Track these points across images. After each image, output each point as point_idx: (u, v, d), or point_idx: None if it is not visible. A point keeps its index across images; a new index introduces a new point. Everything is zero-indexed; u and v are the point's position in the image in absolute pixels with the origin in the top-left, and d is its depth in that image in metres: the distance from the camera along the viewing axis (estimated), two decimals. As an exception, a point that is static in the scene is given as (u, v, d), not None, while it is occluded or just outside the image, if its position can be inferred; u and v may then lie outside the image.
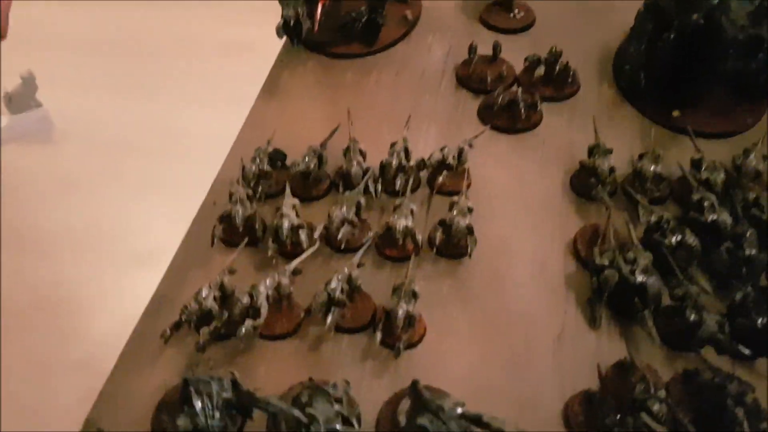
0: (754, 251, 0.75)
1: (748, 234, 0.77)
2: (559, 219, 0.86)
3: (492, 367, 0.72)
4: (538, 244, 0.83)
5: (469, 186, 0.87)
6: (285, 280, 0.72)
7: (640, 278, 0.73)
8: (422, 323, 0.74)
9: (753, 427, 0.62)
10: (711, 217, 0.78)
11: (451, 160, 0.86)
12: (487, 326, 0.76)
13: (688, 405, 0.66)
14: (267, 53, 1.10)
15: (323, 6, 1.04)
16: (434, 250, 0.80)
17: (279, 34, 1.02)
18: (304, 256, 0.77)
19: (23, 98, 2.22)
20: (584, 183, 0.87)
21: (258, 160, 0.84)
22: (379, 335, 0.71)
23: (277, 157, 0.85)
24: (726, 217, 0.78)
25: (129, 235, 1.89)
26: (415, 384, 0.57)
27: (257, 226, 0.79)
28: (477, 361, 0.72)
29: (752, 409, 0.63)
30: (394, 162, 0.85)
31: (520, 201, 0.88)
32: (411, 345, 0.72)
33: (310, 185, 0.86)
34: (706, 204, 0.80)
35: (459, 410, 0.55)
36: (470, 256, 0.80)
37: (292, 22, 1.00)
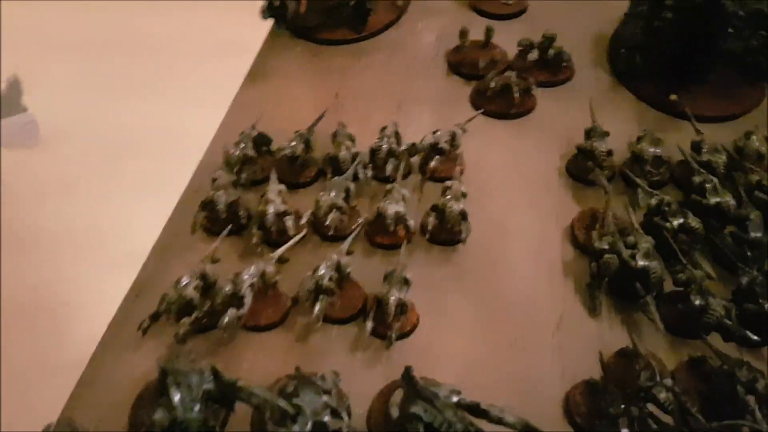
0: (759, 234, 0.73)
1: (752, 216, 0.74)
2: (556, 204, 0.82)
3: (489, 356, 0.69)
4: (535, 229, 0.80)
5: (462, 171, 0.84)
6: (270, 268, 0.69)
7: (641, 263, 0.69)
8: (415, 312, 0.70)
9: (765, 413, 0.59)
10: (714, 199, 0.76)
11: (443, 145, 0.83)
12: (483, 314, 0.72)
13: (695, 393, 0.63)
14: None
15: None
16: (427, 236, 0.77)
17: (264, 15, 0.98)
18: (290, 243, 0.73)
19: (9, 102, 2.18)
20: (581, 167, 0.84)
21: (242, 144, 0.80)
22: (369, 324, 0.67)
23: (262, 142, 0.81)
24: (729, 200, 0.75)
25: (126, 235, 1.86)
26: (408, 371, 0.53)
27: (241, 213, 0.76)
28: (473, 351, 0.69)
29: (764, 396, 0.60)
30: (385, 146, 0.82)
31: (515, 186, 0.85)
32: (403, 334, 0.69)
33: (297, 171, 0.82)
34: (708, 187, 0.77)
35: (455, 398, 0.52)
36: (464, 242, 0.77)
37: (277, 3, 0.97)
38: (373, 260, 0.76)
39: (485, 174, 0.86)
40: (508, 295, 0.74)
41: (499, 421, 0.52)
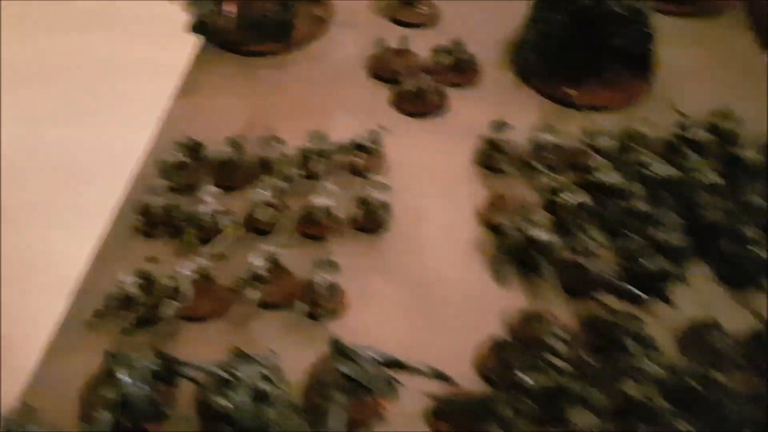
0: (641, 204, 0.83)
1: (636, 190, 0.84)
2: (468, 190, 0.91)
3: (413, 328, 0.76)
4: (451, 214, 0.89)
5: (385, 166, 0.92)
6: (206, 263, 0.74)
7: (540, 235, 0.79)
8: (345, 294, 0.77)
9: (646, 355, 0.69)
10: (603, 178, 0.86)
11: (366, 143, 0.91)
12: (407, 291, 0.80)
13: (589, 344, 0.72)
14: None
15: (236, 3, 1.07)
16: (354, 226, 0.84)
17: (192, 32, 1.04)
18: (228, 240, 0.79)
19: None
20: (489, 156, 0.93)
21: (175, 152, 0.86)
22: (303, 306, 0.74)
23: (194, 148, 0.87)
24: (617, 178, 0.86)
25: (60, 261, 1.85)
26: (333, 339, 0.60)
27: (177, 216, 0.81)
28: (400, 324, 0.76)
29: (643, 341, 0.70)
30: (313, 147, 0.89)
31: (432, 177, 0.94)
32: (335, 315, 0.75)
33: (230, 174, 0.88)
34: (599, 167, 0.87)
35: (374, 355, 0.59)
36: (388, 229, 0.85)
37: (204, 19, 1.03)
38: (306, 251, 0.82)
39: (406, 168, 0.94)
40: (428, 272, 0.82)
41: (414, 371, 0.59)
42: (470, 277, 0.82)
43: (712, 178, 0.85)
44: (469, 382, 0.70)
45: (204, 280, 0.75)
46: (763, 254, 0.79)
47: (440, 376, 0.61)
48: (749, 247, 0.79)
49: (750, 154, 0.89)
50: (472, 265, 0.83)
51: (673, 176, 0.85)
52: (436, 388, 0.68)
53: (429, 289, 0.81)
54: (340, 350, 0.60)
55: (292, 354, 0.71)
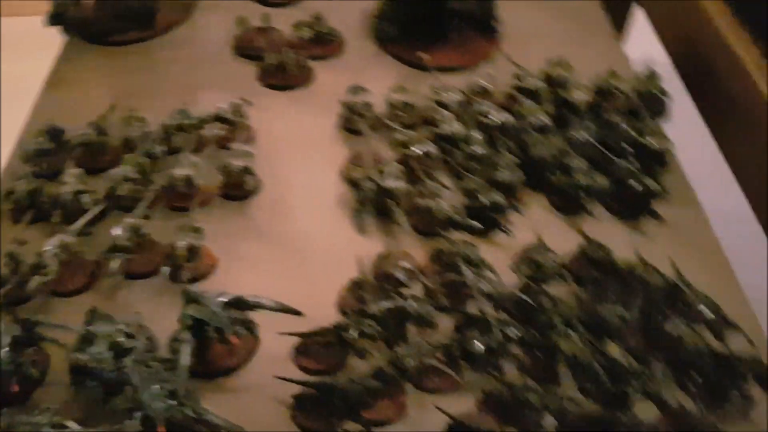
0: (480, 150, 0.92)
1: (475, 137, 0.93)
2: (331, 153, 0.98)
3: (282, 281, 0.81)
4: (316, 176, 0.95)
5: (250, 137, 0.97)
6: (70, 239, 0.78)
7: (390, 184, 0.86)
8: (211, 257, 0.82)
9: (481, 276, 0.77)
10: (447, 129, 0.94)
11: (228, 116, 0.95)
12: (275, 250, 0.86)
13: (439, 278, 0.80)
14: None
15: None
16: (220, 194, 0.89)
17: (48, 24, 1.05)
18: (88, 215, 0.82)
19: None
20: (349, 120, 1.00)
21: (37, 139, 0.88)
22: (166, 270, 0.78)
23: (54, 132, 0.89)
24: (459, 128, 0.94)
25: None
26: (184, 289, 0.65)
27: (43, 200, 0.84)
28: (268, 280, 0.82)
29: (479, 264, 0.78)
30: (174, 122, 0.93)
31: (298, 144, 0.99)
32: (200, 277, 0.80)
33: (95, 156, 0.91)
34: (444, 120, 0.95)
35: (220, 297, 0.65)
36: (254, 195, 0.90)
37: (60, 11, 1.04)
38: (171, 222, 0.86)
39: (272, 138, 1.00)
40: (296, 231, 0.88)
41: (257, 306, 0.65)
42: (335, 231, 0.88)
43: (543, 119, 0.95)
44: (333, 320, 0.77)
45: (71, 256, 0.78)
46: (588, 182, 0.89)
47: (287, 310, 0.67)
48: (575, 177, 0.89)
49: (578, 96, 0.99)
50: (336, 220, 0.90)
51: (508, 122, 0.94)
52: (299, 328, 0.74)
53: (296, 246, 0.86)
54: (190, 297, 0.65)
55: (160, 316, 0.75)
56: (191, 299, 0.64)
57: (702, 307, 0.73)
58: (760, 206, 0.94)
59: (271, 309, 0.66)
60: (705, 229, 0.88)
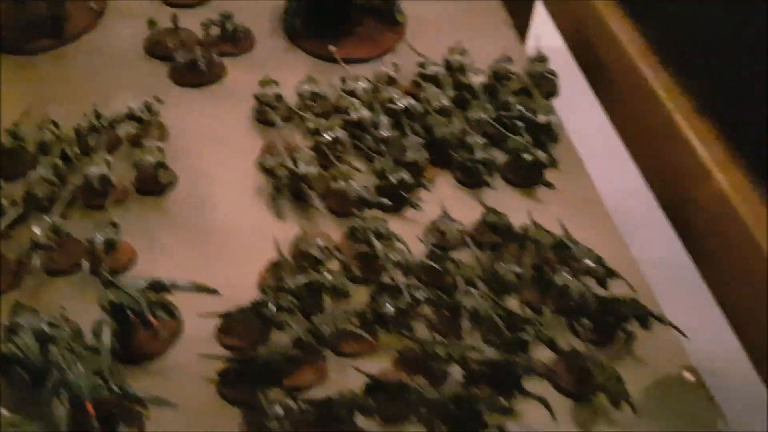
0: (388, 133, 0.98)
1: (383, 121, 0.99)
2: (246, 144, 1.02)
3: (202, 269, 0.84)
4: (232, 168, 0.99)
5: (163, 134, 1.00)
6: (-13, 242, 0.79)
7: (303, 169, 0.91)
8: (130, 250, 0.85)
9: (391, 248, 0.83)
10: (355, 115, 1.00)
11: (139, 114, 0.98)
12: (195, 241, 0.89)
13: (356, 255, 0.85)
14: None
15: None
16: (137, 190, 0.92)
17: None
18: (7, 218, 0.83)
19: None
20: (262, 111, 1.04)
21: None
22: (86, 265, 0.80)
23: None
24: (366, 113, 1.00)
25: None
26: (103, 277, 0.68)
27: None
28: (189, 269, 0.84)
29: (389, 237, 0.85)
30: (87, 124, 0.94)
31: (213, 137, 1.03)
32: (120, 269, 0.83)
33: (10, 163, 0.92)
34: (353, 107, 1.01)
35: (141, 282, 0.68)
36: (171, 189, 0.93)
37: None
38: (90, 220, 0.88)
39: (187, 134, 1.03)
40: (215, 224, 0.91)
41: (173, 287, 0.69)
42: (253, 218, 0.92)
43: (444, 103, 1.02)
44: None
45: (-11, 260, 0.79)
46: (486, 157, 0.97)
47: (202, 289, 0.72)
48: (475, 153, 0.97)
49: (475, 80, 1.07)
50: (254, 208, 0.94)
51: (413, 106, 1.01)
52: (221, 309, 0.78)
53: (215, 234, 0.90)
54: (107, 283, 0.68)
55: (83, 310, 0.76)
56: (108, 284, 0.67)
57: (587, 261, 0.82)
58: (640, 157, 1.04)
59: (186, 289, 0.70)
60: (591, 193, 0.98)
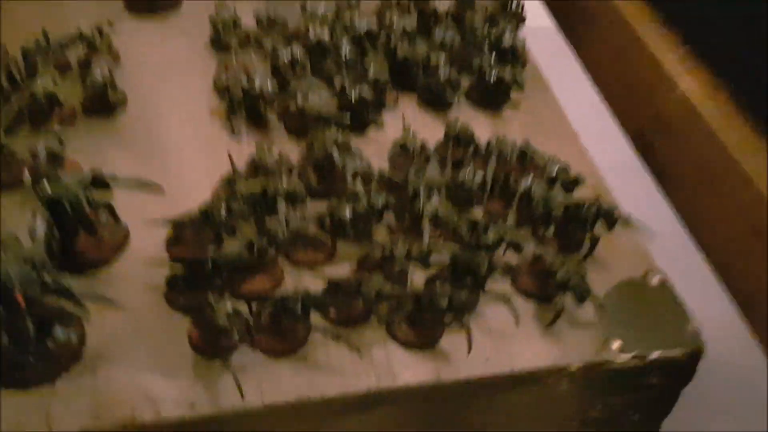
0: (349, 54, 0.95)
1: (346, 44, 0.96)
2: (202, 68, 0.98)
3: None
4: (187, 89, 0.95)
5: (114, 57, 0.96)
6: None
7: (260, 89, 0.88)
8: (76, 167, 0.80)
9: (353, 163, 0.80)
10: (317, 36, 0.96)
11: (90, 38, 0.93)
12: (147, 159, 0.85)
13: (312, 166, 0.82)
14: None
15: None
16: (85, 110, 0.87)
17: None
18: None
19: None
20: (218, 36, 1.00)
21: None
22: (29, 179, 0.75)
23: None
24: (327, 36, 0.96)
25: None
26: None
27: None
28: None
29: (349, 149, 0.81)
30: (33, 47, 0.90)
31: (168, 62, 0.99)
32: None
33: None
34: (314, 28, 0.97)
35: (80, 177, 0.64)
36: (123, 110, 0.89)
37: None
38: (35, 139, 0.82)
39: (141, 58, 0.99)
40: (167, 142, 0.87)
41: (113, 182, 0.65)
42: (208, 138, 0.89)
43: (408, 25, 0.99)
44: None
45: None
46: (451, 78, 0.94)
47: (144, 184, 0.68)
48: (440, 73, 0.94)
49: (441, 6, 1.04)
50: (208, 127, 0.90)
51: (376, 30, 0.98)
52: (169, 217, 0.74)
53: (168, 154, 0.86)
54: (45, 177, 0.64)
55: (25, 225, 0.73)
56: (48, 179, 0.63)
57: (551, 169, 0.80)
58: (611, 96, 1.03)
59: (128, 185, 0.66)
60: (555, 109, 0.96)
